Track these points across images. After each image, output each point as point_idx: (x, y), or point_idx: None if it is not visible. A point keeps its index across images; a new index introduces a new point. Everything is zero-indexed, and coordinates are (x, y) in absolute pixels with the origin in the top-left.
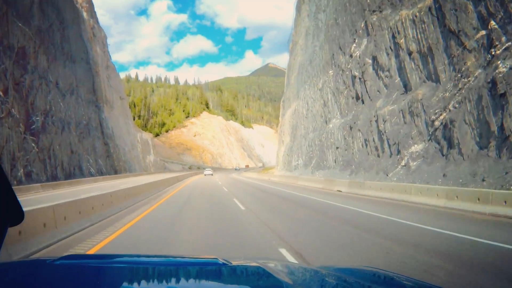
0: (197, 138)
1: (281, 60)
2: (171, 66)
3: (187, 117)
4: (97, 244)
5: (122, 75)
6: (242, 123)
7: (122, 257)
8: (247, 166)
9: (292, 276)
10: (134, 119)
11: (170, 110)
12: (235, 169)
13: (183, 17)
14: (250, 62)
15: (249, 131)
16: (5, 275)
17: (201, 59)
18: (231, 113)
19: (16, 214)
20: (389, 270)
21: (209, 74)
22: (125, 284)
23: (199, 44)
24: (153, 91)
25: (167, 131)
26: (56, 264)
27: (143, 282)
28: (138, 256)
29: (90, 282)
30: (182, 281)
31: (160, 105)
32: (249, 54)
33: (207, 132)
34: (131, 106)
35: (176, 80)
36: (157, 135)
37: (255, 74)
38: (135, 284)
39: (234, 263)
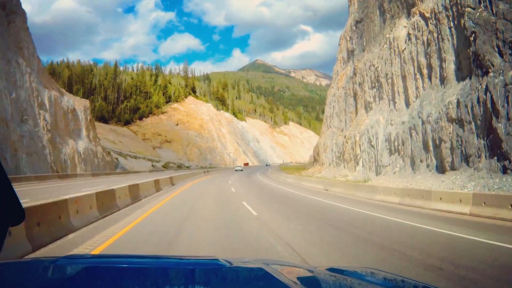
0: (180, 127)
1: (269, 58)
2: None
3: (167, 102)
4: None
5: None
6: (235, 115)
7: (123, 257)
8: (246, 164)
9: (294, 277)
10: (97, 102)
11: (147, 93)
12: (266, 165)
13: (171, 15)
14: (237, 60)
15: (243, 124)
16: (5, 275)
17: (188, 57)
18: (221, 103)
19: (16, 213)
20: (390, 271)
21: (196, 72)
22: (125, 285)
23: (186, 42)
24: (132, 78)
25: (140, 118)
26: (56, 264)
27: (143, 283)
28: (139, 256)
29: (90, 283)
30: (183, 281)
31: (134, 87)
32: (236, 52)
33: (194, 121)
34: (96, 87)
35: (158, 68)
36: (127, 123)
37: (243, 69)
38: (136, 285)
39: (235, 264)
